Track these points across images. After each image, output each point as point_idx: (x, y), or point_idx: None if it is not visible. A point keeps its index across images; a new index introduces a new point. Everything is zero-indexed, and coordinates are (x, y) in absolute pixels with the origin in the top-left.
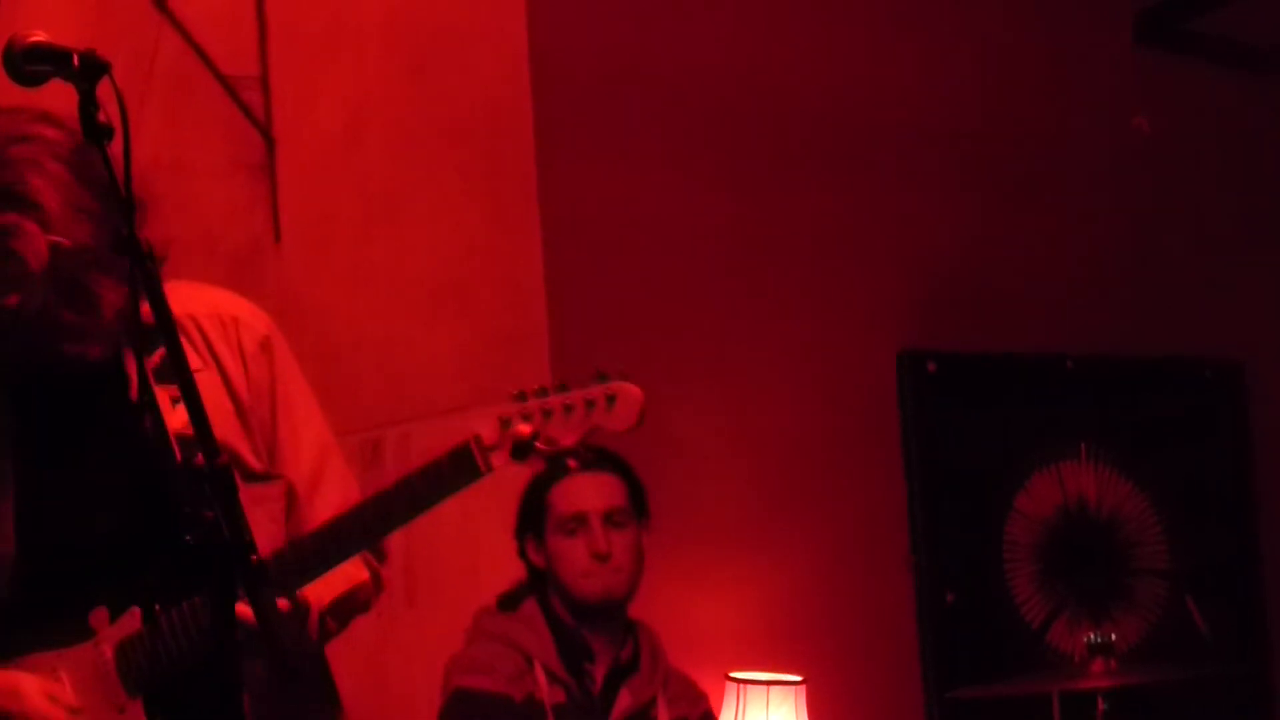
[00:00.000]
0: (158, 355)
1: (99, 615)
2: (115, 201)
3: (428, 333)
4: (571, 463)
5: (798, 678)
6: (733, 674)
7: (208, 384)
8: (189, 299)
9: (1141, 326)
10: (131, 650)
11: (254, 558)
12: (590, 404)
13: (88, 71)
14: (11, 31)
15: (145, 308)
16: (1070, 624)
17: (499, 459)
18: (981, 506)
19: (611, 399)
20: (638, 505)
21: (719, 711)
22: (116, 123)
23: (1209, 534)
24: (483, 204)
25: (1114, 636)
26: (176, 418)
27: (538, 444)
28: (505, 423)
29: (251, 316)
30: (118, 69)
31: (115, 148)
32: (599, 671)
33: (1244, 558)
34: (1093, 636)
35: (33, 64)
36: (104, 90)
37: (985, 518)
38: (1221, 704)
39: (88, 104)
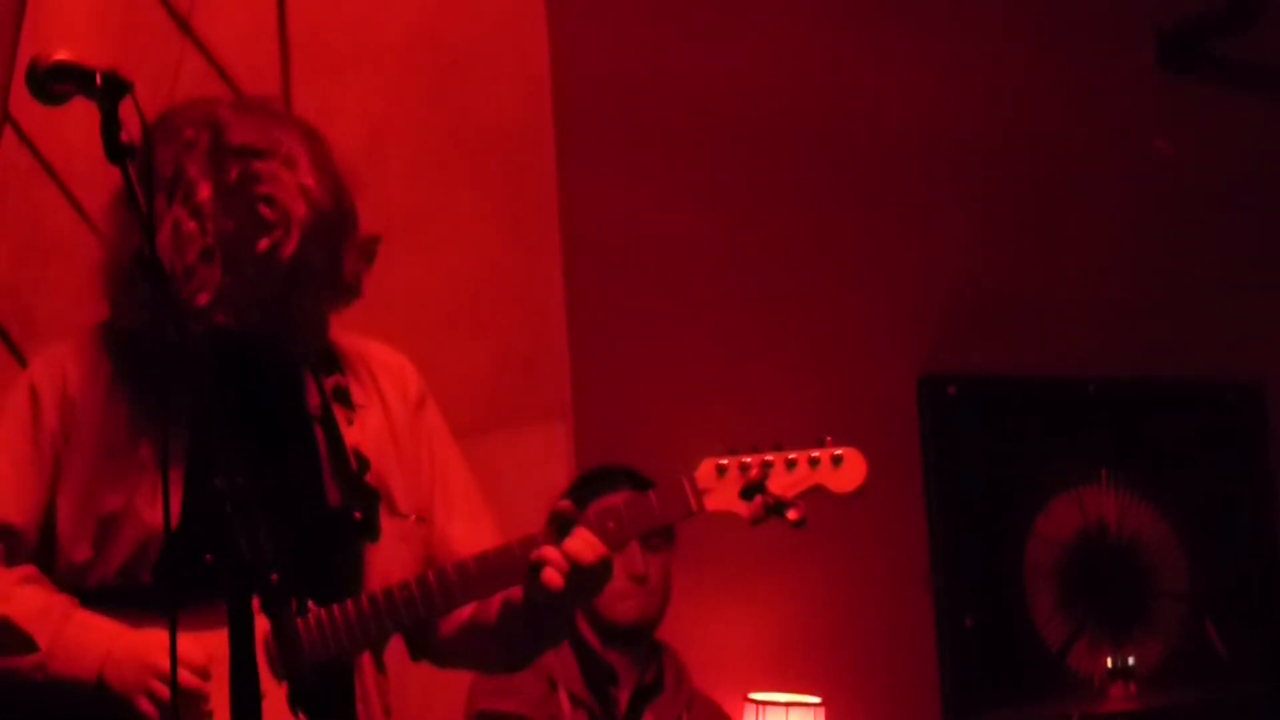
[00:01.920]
0: (334, 379)
1: None
2: (137, 219)
3: (447, 354)
4: (793, 515)
5: (816, 699)
6: (752, 695)
7: (371, 421)
8: (360, 342)
9: (1162, 349)
10: (281, 639)
11: (274, 576)
12: (814, 462)
13: (110, 90)
14: (35, 51)
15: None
16: (1090, 647)
17: (711, 502)
18: (1001, 530)
19: (838, 460)
20: (670, 530)
21: None
22: (138, 141)
23: (1229, 556)
24: (503, 224)
25: (1134, 660)
26: (350, 434)
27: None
28: (721, 469)
29: (414, 370)
30: (139, 88)
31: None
32: (623, 694)
33: (1264, 580)
34: (1113, 660)
35: (56, 82)
36: (126, 109)
37: (1005, 541)
38: None
39: (110, 123)
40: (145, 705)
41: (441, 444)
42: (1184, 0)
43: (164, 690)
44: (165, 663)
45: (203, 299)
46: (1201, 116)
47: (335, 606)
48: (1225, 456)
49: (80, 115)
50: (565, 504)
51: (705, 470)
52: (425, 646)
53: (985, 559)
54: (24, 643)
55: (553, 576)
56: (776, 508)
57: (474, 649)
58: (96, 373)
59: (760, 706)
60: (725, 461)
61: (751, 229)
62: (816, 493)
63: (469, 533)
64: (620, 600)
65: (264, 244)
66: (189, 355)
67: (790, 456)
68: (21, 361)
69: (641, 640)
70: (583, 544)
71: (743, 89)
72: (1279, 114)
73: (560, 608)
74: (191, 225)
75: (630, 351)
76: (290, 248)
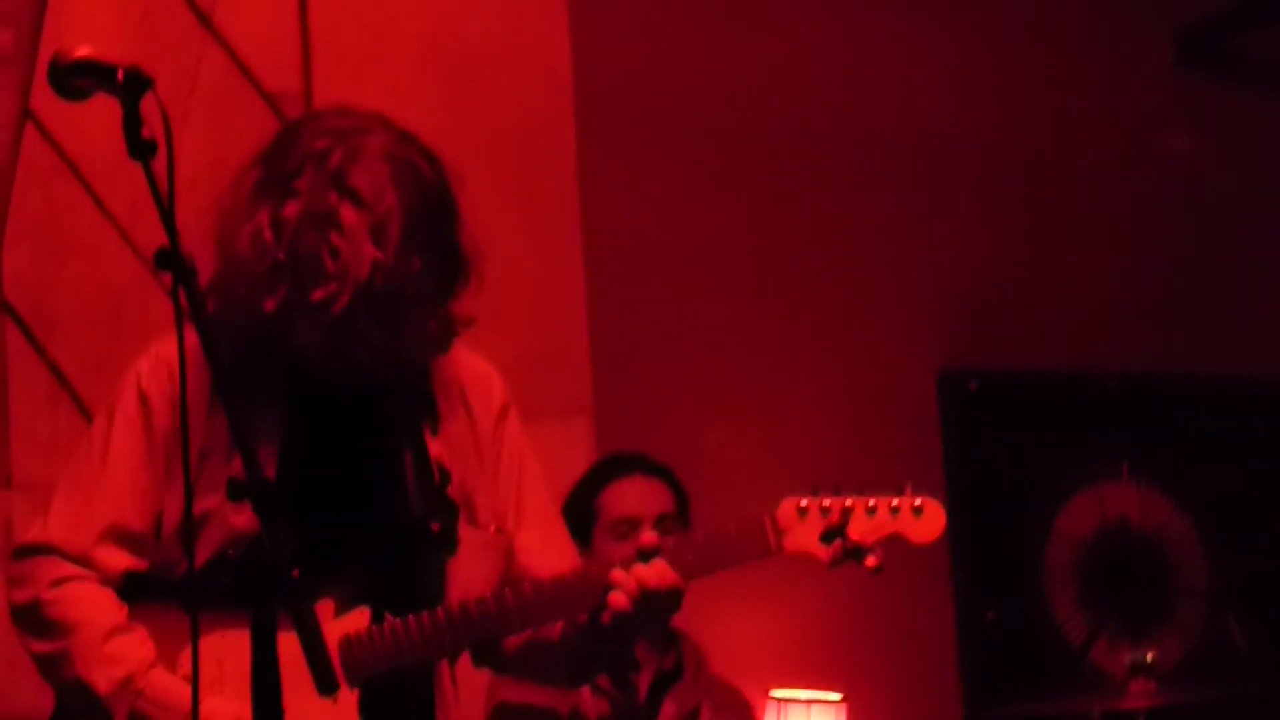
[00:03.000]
0: (420, 389)
1: (324, 607)
2: (160, 216)
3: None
4: (871, 562)
5: (838, 695)
6: (773, 692)
7: (455, 432)
8: (450, 351)
9: (1184, 346)
10: (358, 646)
11: (295, 573)
12: (895, 510)
13: (131, 86)
14: (57, 47)
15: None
16: (1111, 643)
17: (790, 543)
18: (1023, 525)
19: (918, 510)
20: (684, 516)
21: None
22: (160, 138)
23: (1250, 553)
24: (524, 222)
25: (1155, 656)
26: (434, 446)
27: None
28: (802, 511)
29: (500, 380)
30: (161, 85)
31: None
32: (644, 681)
33: None
34: (1134, 656)
35: (77, 78)
36: (148, 105)
37: (1026, 537)
38: None
39: (131, 118)
40: None
41: (522, 455)
42: None
43: None
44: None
45: (269, 304)
46: (1222, 112)
47: (411, 618)
48: (1246, 453)
49: (102, 111)
50: (651, 536)
51: (786, 510)
52: (490, 656)
53: (1006, 555)
54: (101, 713)
55: (620, 599)
56: (855, 553)
57: (536, 663)
58: (199, 375)
59: (782, 703)
60: (806, 503)
61: (771, 225)
62: (894, 541)
63: (544, 547)
64: None
65: (319, 294)
66: (213, 357)
67: (871, 503)
68: (44, 355)
69: (658, 630)
70: (654, 572)
71: (762, 86)
72: None
73: (626, 632)
74: (269, 236)
75: (651, 347)
76: (341, 305)
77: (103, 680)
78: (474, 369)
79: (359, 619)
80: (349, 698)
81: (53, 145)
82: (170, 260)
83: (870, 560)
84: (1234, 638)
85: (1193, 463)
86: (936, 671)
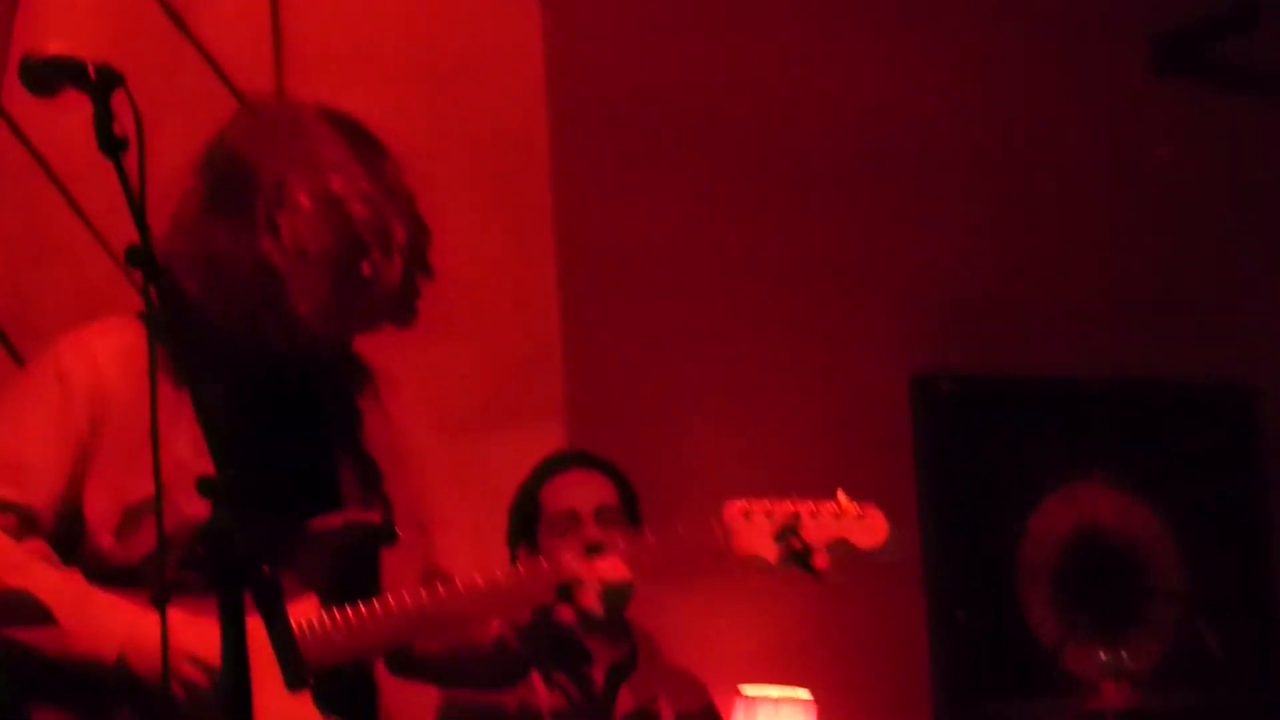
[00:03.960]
0: (348, 386)
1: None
2: (131, 213)
3: (442, 355)
4: (820, 562)
5: (808, 694)
6: (743, 689)
7: (378, 430)
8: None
9: (1157, 351)
10: (311, 634)
11: (265, 569)
12: (838, 516)
13: (103, 83)
14: (28, 43)
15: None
16: (1084, 646)
17: (739, 544)
18: (995, 527)
19: (861, 516)
20: (630, 510)
21: None
22: (132, 135)
23: (1224, 557)
24: (498, 227)
25: (1127, 659)
26: (364, 442)
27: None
28: (747, 515)
29: (400, 381)
30: (134, 85)
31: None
32: (598, 672)
33: (1258, 581)
34: (1106, 658)
35: (49, 75)
36: (119, 102)
37: (999, 538)
38: None
39: (103, 115)
40: (177, 690)
41: (420, 456)
42: (1181, 3)
43: (194, 672)
44: (193, 646)
45: (303, 306)
46: (1196, 119)
47: (362, 607)
48: (1219, 457)
49: (76, 109)
50: (595, 532)
51: (731, 513)
52: (405, 662)
53: (978, 556)
54: (42, 616)
55: (590, 599)
56: (804, 554)
57: (458, 669)
58: (130, 363)
59: (752, 701)
60: (750, 507)
61: (745, 230)
62: (842, 546)
63: (446, 543)
64: None
65: (366, 268)
66: (185, 354)
67: (813, 509)
68: (19, 360)
69: (611, 623)
70: (610, 566)
71: (736, 93)
72: (1274, 116)
73: (584, 629)
74: (296, 231)
75: (624, 352)
76: (393, 274)
77: (37, 584)
78: (383, 369)
79: (306, 607)
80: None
81: (24, 143)
82: (141, 258)
83: (819, 561)
84: (1207, 642)
85: (1166, 467)
86: (907, 671)
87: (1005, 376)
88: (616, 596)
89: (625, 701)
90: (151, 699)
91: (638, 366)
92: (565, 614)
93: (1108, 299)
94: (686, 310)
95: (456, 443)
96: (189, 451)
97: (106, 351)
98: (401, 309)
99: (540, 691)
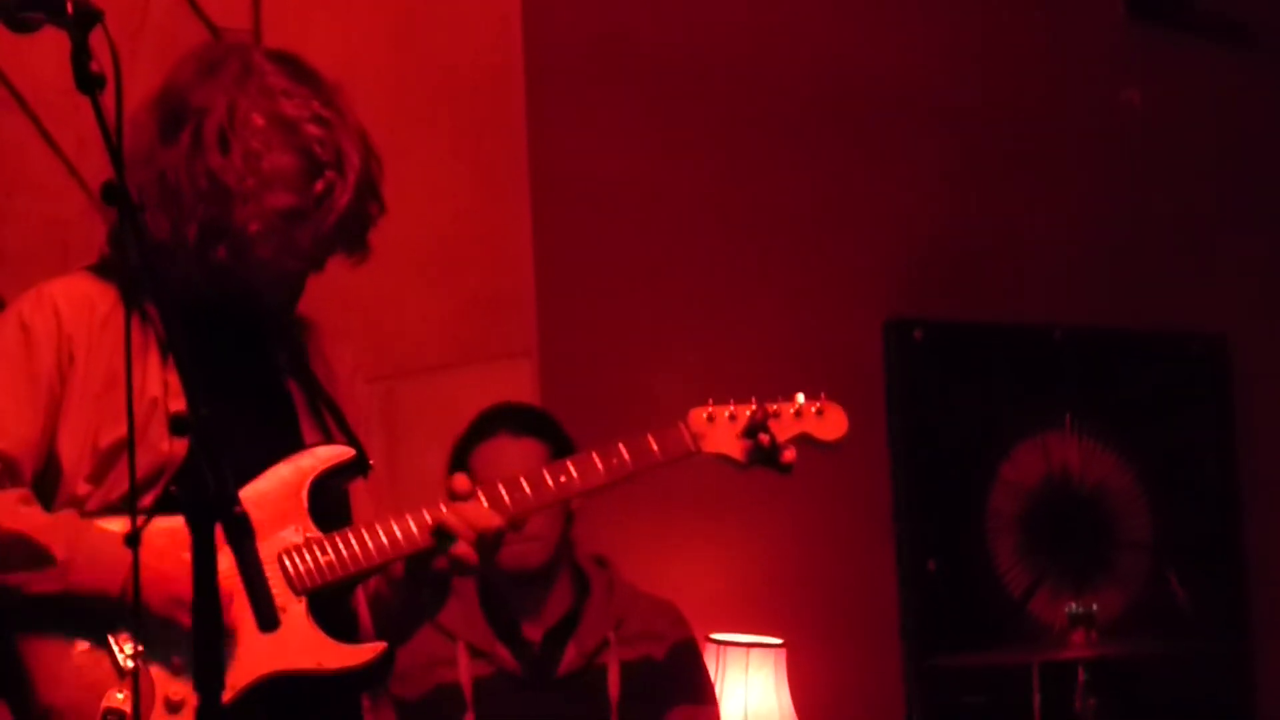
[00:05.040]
0: (300, 332)
1: None
2: (108, 150)
3: (415, 293)
4: (788, 456)
5: (778, 640)
6: (713, 635)
7: (322, 376)
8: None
9: (1129, 299)
10: (299, 558)
11: (237, 510)
12: (798, 413)
13: (81, 19)
14: None
15: None
16: (1052, 595)
17: (708, 444)
18: (965, 475)
19: (820, 411)
20: None
21: None
22: (109, 72)
23: (1192, 507)
24: (472, 166)
25: (1095, 608)
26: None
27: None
28: (710, 418)
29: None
30: (110, 19)
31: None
32: (536, 633)
33: (1226, 532)
34: (1074, 607)
35: (26, 10)
36: (96, 39)
37: (969, 486)
38: (1203, 678)
39: (80, 52)
40: (177, 613)
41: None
42: None
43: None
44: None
45: (254, 227)
46: (1170, 66)
47: (339, 533)
48: (1190, 406)
49: (51, 45)
50: (463, 482)
51: (695, 417)
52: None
53: (949, 504)
54: (41, 556)
55: (465, 549)
56: (772, 449)
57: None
58: (91, 310)
59: (722, 647)
60: (711, 411)
61: (720, 173)
62: (804, 440)
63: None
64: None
65: (319, 185)
66: (159, 292)
67: (774, 408)
68: None
69: (535, 583)
70: (482, 513)
71: (712, 37)
72: (1248, 66)
73: (457, 576)
74: (251, 148)
75: (597, 292)
76: (346, 196)
77: (29, 525)
78: (328, 327)
79: (291, 534)
80: (298, 607)
81: (0, 79)
82: (116, 194)
83: (787, 455)
84: (1175, 592)
85: (1136, 415)
86: (877, 619)
87: (978, 323)
88: (489, 544)
89: (569, 657)
90: (153, 627)
91: (609, 307)
92: (440, 563)
93: (1081, 246)
94: (659, 252)
95: (427, 379)
96: (159, 391)
97: (67, 300)
98: (352, 237)
99: (462, 662)
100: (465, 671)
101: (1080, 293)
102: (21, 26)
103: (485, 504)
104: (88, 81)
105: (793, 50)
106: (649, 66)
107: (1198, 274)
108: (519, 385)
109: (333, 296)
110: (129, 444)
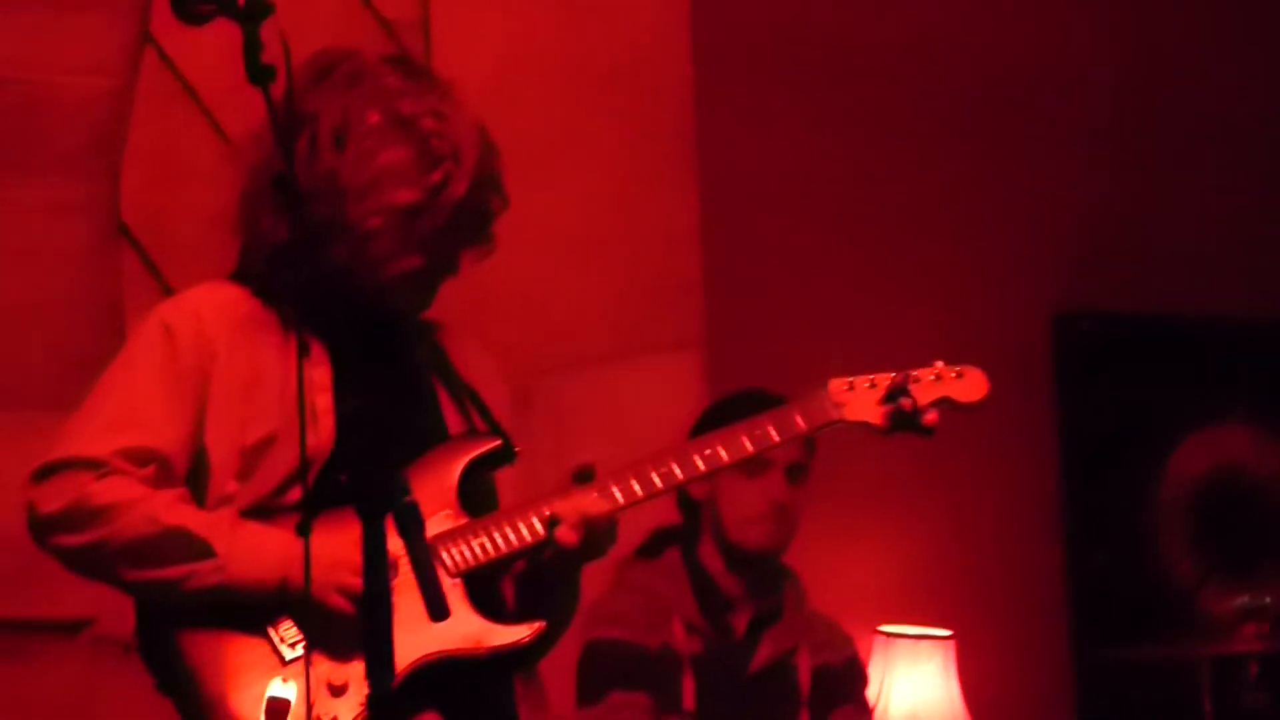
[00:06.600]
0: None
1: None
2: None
3: (580, 282)
4: (930, 418)
5: (948, 632)
6: (882, 628)
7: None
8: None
9: None
10: (452, 542)
11: (407, 499)
12: (938, 377)
13: (253, 11)
14: None
15: None
16: (1222, 587)
17: (850, 412)
18: (1135, 467)
19: (960, 375)
20: (809, 464)
21: (867, 665)
22: (279, 64)
23: None
24: (638, 153)
25: (1268, 600)
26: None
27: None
28: (850, 385)
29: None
30: (280, 11)
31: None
32: (740, 621)
33: None
34: (1246, 600)
35: (199, 3)
36: (268, 31)
37: (1138, 478)
38: None
39: (252, 44)
40: (338, 600)
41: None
42: None
43: (356, 582)
44: (353, 557)
45: (372, 223)
46: None
47: (488, 517)
48: None
49: (221, 37)
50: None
51: (835, 387)
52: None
53: (1117, 497)
54: (202, 549)
55: (566, 532)
56: (913, 413)
57: None
58: (231, 311)
59: (890, 639)
60: (852, 381)
61: (887, 159)
62: (945, 403)
63: None
64: (755, 524)
65: (437, 175)
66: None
67: (915, 374)
68: (160, 278)
69: (764, 567)
70: (590, 500)
71: (881, 25)
72: None
73: (569, 567)
74: (367, 145)
75: (763, 280)
76: (463, 185)
77: (191, 520)
78: (465, 328)
79: (444, 520)
80: (455, 589)
81: (172, 70)
82: (286, 185)
83: (928, 418)
84: None
85: None
86: (1045, 612)
87: (1147, 315)
88: (596, 531)
89: (765, 650)
90: (315, 614)
91: (776, 297)
92: (548, 551)
93: (1253, 234)
94: (827, 241)
95: (591, 370)
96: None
97: (207, 304)
98: (473, 230)
99: (679, 636)
100: (684, 644)
101: (1254, 282)
102: (194, 18)
103: (636, 486)
104: (259, 73)
105: (961, 37)
106: (818, 55)
107: None
108: (685, 376)
109: (495, 287)
110: (300, 436)
